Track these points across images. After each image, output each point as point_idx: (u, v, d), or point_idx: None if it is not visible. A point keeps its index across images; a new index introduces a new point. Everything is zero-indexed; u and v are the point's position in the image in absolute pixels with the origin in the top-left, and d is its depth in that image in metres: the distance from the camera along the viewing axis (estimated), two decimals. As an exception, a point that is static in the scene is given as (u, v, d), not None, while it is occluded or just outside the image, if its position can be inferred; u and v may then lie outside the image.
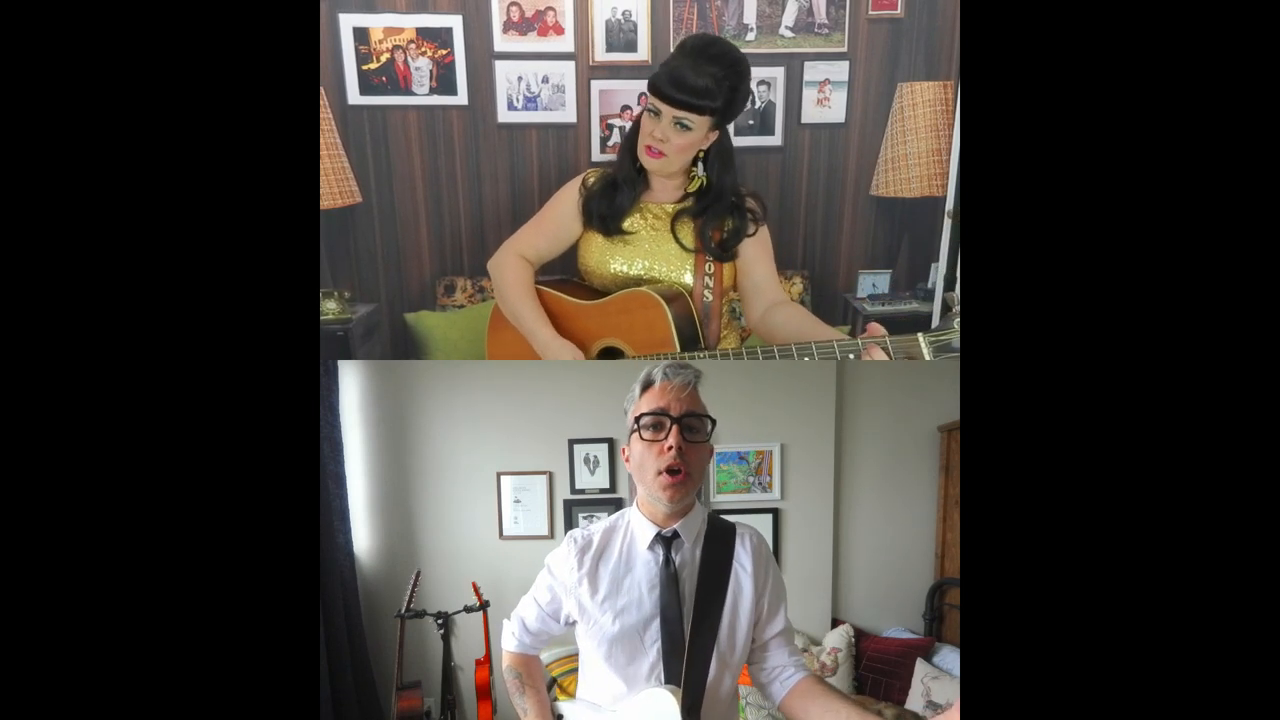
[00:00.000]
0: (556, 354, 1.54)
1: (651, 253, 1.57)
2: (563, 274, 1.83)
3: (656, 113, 1.45)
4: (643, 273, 1.58)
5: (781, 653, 1.06)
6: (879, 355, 1.19)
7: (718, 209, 1.55)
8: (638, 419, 0.99)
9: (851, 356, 1.22)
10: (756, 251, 1.57)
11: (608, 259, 1.59)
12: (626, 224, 1.58)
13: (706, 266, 1.55)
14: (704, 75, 1.41)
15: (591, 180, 1.61)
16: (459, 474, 2.12)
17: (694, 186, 1.56)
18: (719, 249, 1.55)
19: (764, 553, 1.06)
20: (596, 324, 1.57)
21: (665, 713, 0.94)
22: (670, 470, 0.97)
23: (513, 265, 1.62)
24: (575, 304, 1.61)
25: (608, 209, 1.57)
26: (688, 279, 1.55)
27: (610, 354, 1.59)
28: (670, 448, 0.97)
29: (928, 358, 1.16)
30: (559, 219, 1.64)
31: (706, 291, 1.55)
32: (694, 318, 1.52)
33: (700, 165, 1.54)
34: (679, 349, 1.46)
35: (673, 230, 1.56)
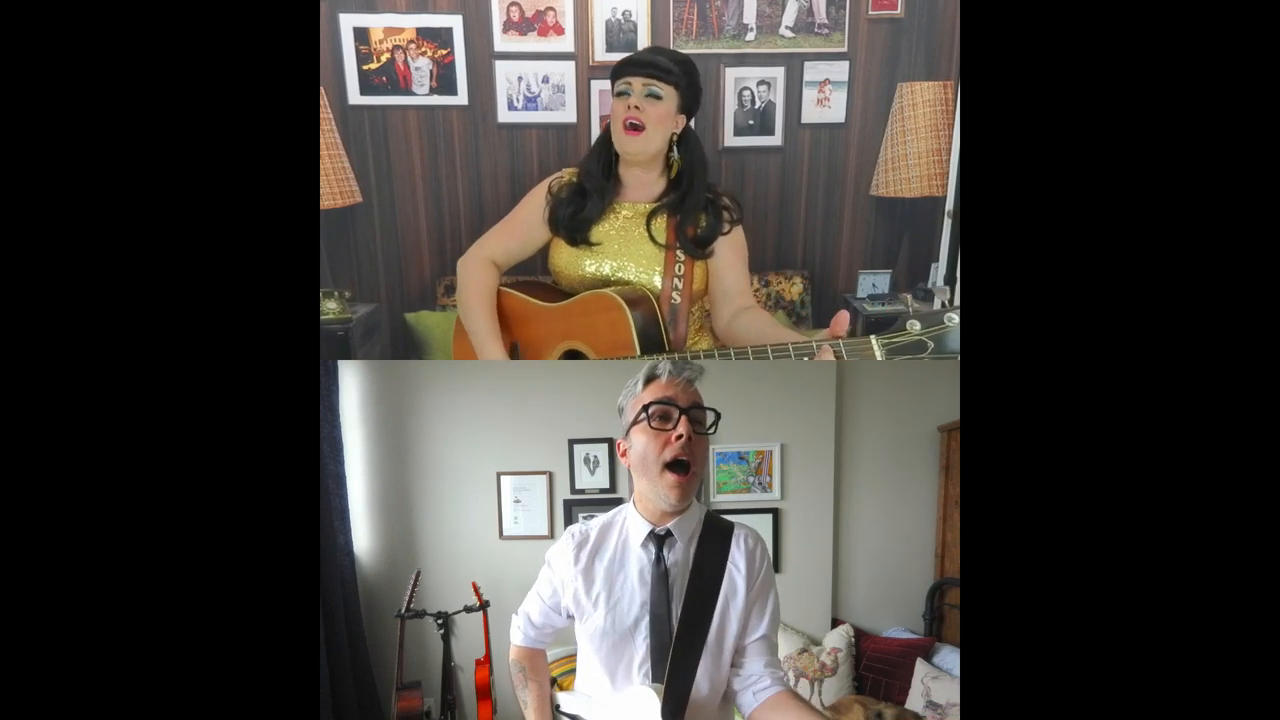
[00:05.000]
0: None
1: (622, 253, 1.57)
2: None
3: (626, 92, 1.51)
4: (611, 273, 1.58)
5: (758, 661, 1.04)
6: (828, 357, 1.18)
7: (693, 203, 1.56)
8: (645, 408, 0.99)
9: (806, 359, 1.20)
10: (730, 256, 1.58)
11: (577, 261, 1.59)
12: (593, 234, 1.58)
13: (677, 268, 1.55)
14: (659, 57, 1.52)
15: (558, 188, 1.62)
16: (459, 474, 2.12)
17: (675, 171, 1.58)
18: (694, 245, 1.55)
19: (759, 556, 1.05)
20: (559, 327, 1.57)
21: (647, 710, 0.94)
22: (678, 465, 0.97)
23: (478, 270, 1.62)
24: (538, 306, 1.61)
25: (573, 219, 1.58)
26: (657, 281, 1.55)
27: (572, 357, 1.59)
28: (679, 436, 0.97)
29: (879, 358, 1.13)
30: (526, 224, 1.64)
31: (675, 294, 1.55)
32: (659, 321, 1.52)
33: (675, 150, 1.58)
34: (639, 352, 1.46)
35: (647, 227, 1.56)
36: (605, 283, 1.57)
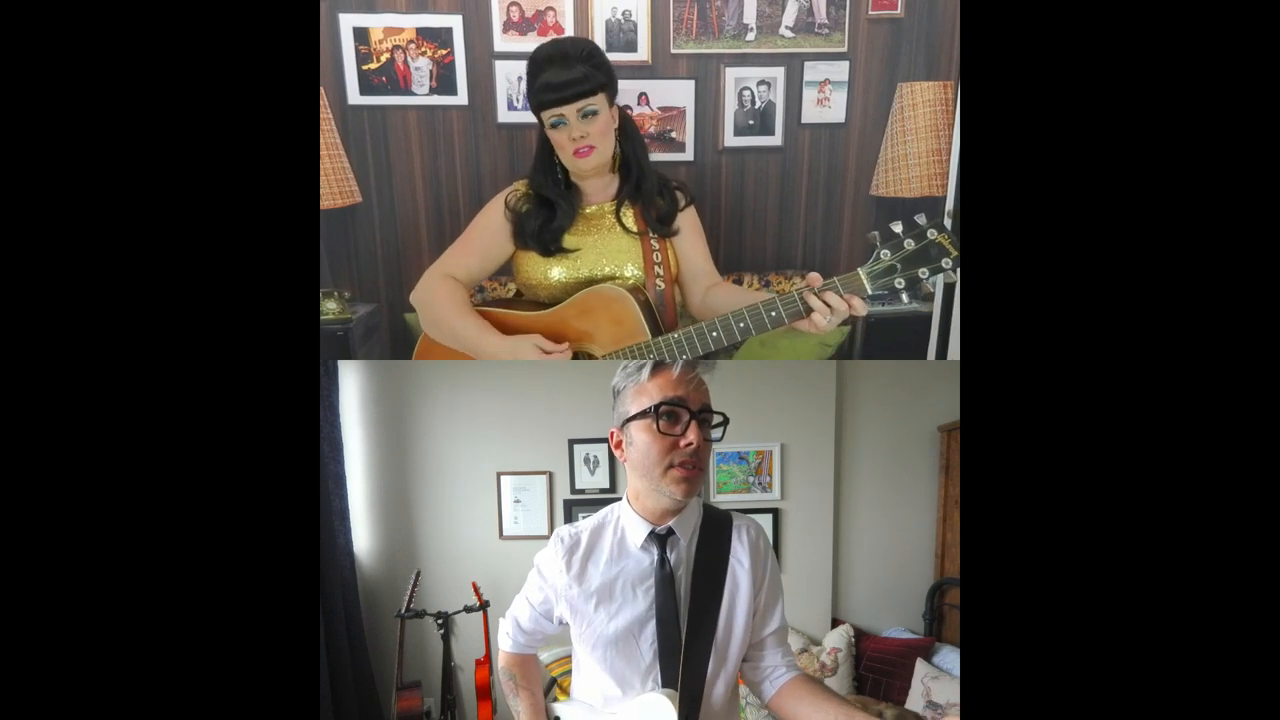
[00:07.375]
0: (517, 354, 1.48)
1: (599, 252, 1.58)
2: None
3: (561, 122, 1.46)
4: (591, 274, 1.58)
5: (776, 652, 1.04)
6: (832, 300, 1.26)
7: (648, 186, 1.59)
8: (656, 407, 0.94)
9: (773, 314, 1.27)
10: (692, 236, 1.63)
11: (552, 269, 1.58)
12: (567, 241, 1.57)
13: (654, 255, 1.57)
14: (573, 69, 1.43)
15: (515, 201, 1.59)
16: (459, 474, 2.12)
17: (616, 163, 1.60)
18: (660, 224, 1.60)
19: (762, 547, 1.03)
20: (556, 333, 1.54)
21: (662, 717, 0.92)
22: (685, 464, 0.94)
23: (444, 284, 1.57)
24: (528, 316, 1.57)
25: (544, 229, 1.55)
26: (636, 273, 1.58)
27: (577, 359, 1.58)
28: (689, 444, 0.93)
29: (870, 291, 1.26)
30: (487, 242, 1.60)
31: (658, 280, 1.57)
32: (653, 307, 1.54)
33: (615, 144, 1.58)
34: (650, 337, 1.46)
35: (618, 219, 1.58)
36: (588, 283, 1.57)
